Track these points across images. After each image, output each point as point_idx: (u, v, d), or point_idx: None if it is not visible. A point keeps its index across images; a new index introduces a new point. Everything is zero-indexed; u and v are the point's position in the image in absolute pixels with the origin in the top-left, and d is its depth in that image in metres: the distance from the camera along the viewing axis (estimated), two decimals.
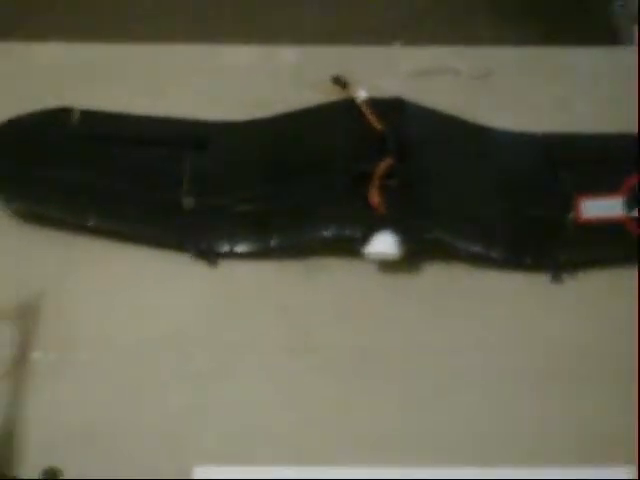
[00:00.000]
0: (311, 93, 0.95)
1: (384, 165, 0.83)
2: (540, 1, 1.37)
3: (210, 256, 0.83)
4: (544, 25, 1.32)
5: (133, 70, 0.99)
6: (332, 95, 0.94)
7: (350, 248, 0.82)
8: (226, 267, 0.84)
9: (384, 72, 0.99)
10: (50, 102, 0.91)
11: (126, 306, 0.81)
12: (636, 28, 1.46)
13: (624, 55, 1.06)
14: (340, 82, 0.94)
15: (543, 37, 1.13)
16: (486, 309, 0.82)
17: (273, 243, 0.83)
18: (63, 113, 0.90)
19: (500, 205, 0.85)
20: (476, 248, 0.82)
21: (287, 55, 1.02)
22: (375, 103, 0.90)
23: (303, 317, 0.81)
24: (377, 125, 0.87)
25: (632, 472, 0.71)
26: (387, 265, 0.83)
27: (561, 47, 1.05)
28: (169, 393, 0.77)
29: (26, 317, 0.79)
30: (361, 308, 0.82)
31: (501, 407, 0.77)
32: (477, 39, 1.09)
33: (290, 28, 1.11)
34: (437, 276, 0.84)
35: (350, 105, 0.90)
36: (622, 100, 0.97)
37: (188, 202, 0.85)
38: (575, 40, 1.07)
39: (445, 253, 0.83)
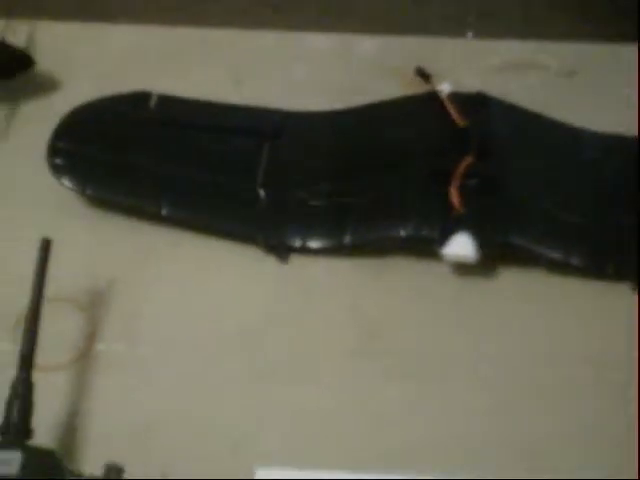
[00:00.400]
0: (389, 84, 0.93)
1: (465, 163, 0.81)
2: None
3: (281, 251, 0.81)
4: (627, 22, 1.27)
5: (212, 56, 0.98)
6: (413, 87, 0.92)
7: (426, 248, 0.80)
8: (298, 263, 0.82)
9: (465, 65, 0.97)
10: (128, 86, 0.90)
11: (194, 300, 0.80)
12: None
13: None
14: (424, 74, 0.92)
15: (626, 34, 1.09)
16: (563, 318, 0.79)
17: (347, 240, 0.81)
18: (141, 97, 0.89)
19: (583, 210, 0.82)
20: (555, 254, 0.79)
21: (367, 44, 1.01)
22: (458, 98, 0.87)
23: (374, 318, 0.79)
24: (460, 121, 0.85)
25: None
26: (463, 268, 0.80)
27: None
28: (234, 391, 0.75)
29: (94, 307, 0.78)
30: (434, 311, 0.80)
31: (575, 418, 0.74)
32: (556, 35, 1.05)
33: (367, 17, 1.09)
34: (514, 282, 0.81)
35: (433, 99, 0.88)
36: None
37: (262, 193, 0.83)
38: None
39: (523, 258, 0.80)
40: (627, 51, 1.00)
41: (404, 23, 1.04)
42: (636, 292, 0.80)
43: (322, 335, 0.79)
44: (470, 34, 1.02)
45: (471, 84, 0.91)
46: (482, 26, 1.07)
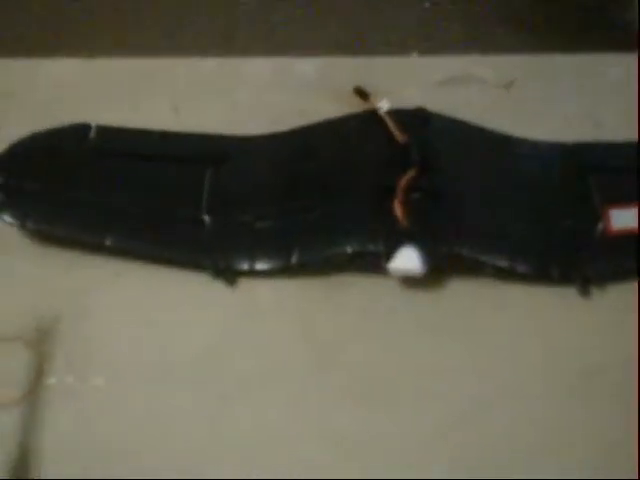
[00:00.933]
0: (330, 104, 0.93)
1: (407, 178, 0.81)
2: (559, 9, 1.34)
3: (228, 275, 0.81)
4: (563, 33, 1.29)
5: (152, 85, 0.97)
6: (353, 107, 0.92)
7: (373, 264, 0.80)
8: (246, 286, 0.82)
9: (405, 82, 0.97)
10: (68, 119, 0.89)
11: (142, 329, 0.80)
12: None
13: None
14: (362, 93, 0.92)
15: (563, 45, 1.10)
16: (512, 326, 0.80)
17: (294, 260, 0.81)
18: (80, 129, 0.89)
19: (526, 217, 0.83)
20: (502, 262, 0.80)
21: (306, 67, 1.01)
22: (398, 114, 0.88)
23: (324, 335, 0.80)
24: (400, 137, 0.85)
25: None
26: (410, 281, 0.81)
27: (587, 54, 1.03)
28: (186, 416, 0.75)
29: (41, 342, 0.78)
30: (383, 326, 0.80)
31: (529, 423, 0.75)
32: (496, 48, 1.06)
33: (307, 40, 1.09)
34: (462, 292, 0.82)
35: (372, 117, 0.88)
36: None
37: (208, 219, 0.83)
38: (596, 47, 1.05)
39: (470, 268, 0.81)
40: (562, 62, 1.02)
41: (347, 47, 1.05)
42: (582, 295, 0.81)
43: (273, 355, 0.79)
44: (415, 54, 1.03)
45: (413, 100, 0.91)
46: (423, 46, 1.08)
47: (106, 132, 0.89)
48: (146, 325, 0.80)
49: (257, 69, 1.00)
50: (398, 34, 1.20)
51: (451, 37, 1.21)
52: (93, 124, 0.89)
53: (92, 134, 0.89)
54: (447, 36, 1.21)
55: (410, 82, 0.97)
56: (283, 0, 1.21)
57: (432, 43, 1.17)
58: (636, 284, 0.81)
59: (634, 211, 0.82)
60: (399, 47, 1.07)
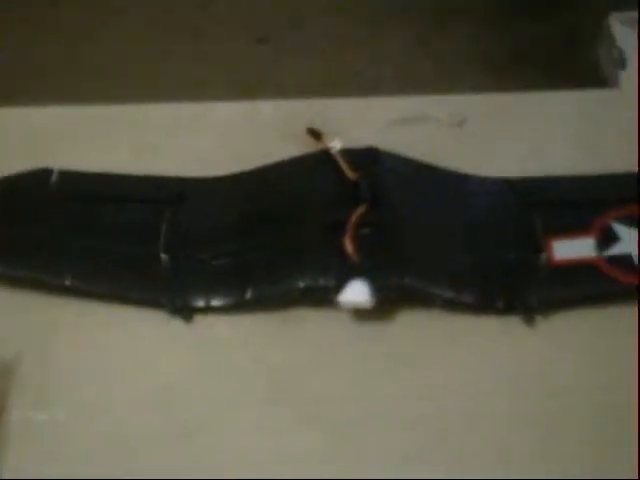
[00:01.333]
0: (290, 146, 0.96)
1: (357, 213, 0.84)
2: (526, 49, 1.39)
3: (184, 312, 0.84)
4: (530, 72, 1.33)
5: (113, 130, 1.00)
6: (311, 147, 0.95)
7: (325, 298, 0.83)
8: (203, 321, 0.85)
9: (361, 122, 1.00)
10: (29, 165, 0.92)
11: (104, 365, 0.82)
12: (621, 73, 1.47)
13: (599, 98, 1.07)
14: (314, 133, 0.95)
15: (529, 84, 1.14)
16: (461, 354, 0.83)
17: (249, 296, 0.84)
18: (42, 174, 0.91)
19: (471, 250, 0.86)
20: (448, 294, 0.82)
21: (266, 109, 1.04)
22: (350, 153, 0.91)
23: (279, 368, 0.82)
24: (350, 174, 0.88)
25: None
26: (362, 314, 0.83)
27: (538, 92, 1.06)
28: (149, 449, 0.78)
29: (2, 378, 0.79)
30: (338, 357, 0.83)
31: (482, 451, 0.78)
32: (462, 88, 1.10)
33: (269, 83, 1.13)
34: (412, 322, 0.84)
35: (325, 156, 0.92)
36: (598, 143, 0.99)
37: (165, 258, 0.86)
38: (560, 86, 1.08)
39: (418, 300, 0.84)
40: (516, 99, 1.05)
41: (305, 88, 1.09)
42: (527, 324, 0.83)
43: (231, 388, 0.81)
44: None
45: (365, 139, 0.94)
46: (393, 86, 1.12)
47: (67, 176, 0.92)
48: (107, 362, 0.82)
49: (218, 112, 1.04)
50: (366, 75, 1.24)
51: (418, 77, 1.25)
52: (55, 169, 0.92)
53: (54, 178, 0.91)
54: (413, 77, 1.25)
55: (365, 122, 1.01)
56: (259, 43, 1.25)
57: (400, 83, 1.21)
58: (580, 312, 0.84)
59: (575, 242, 0.85)
60: (368, 89, 1.11)
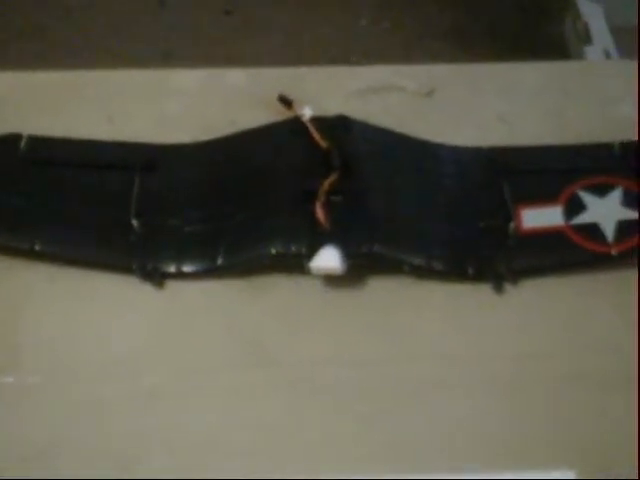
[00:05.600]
0: (260, 113, 0.96)
1: (328, 181, 0.84)
2: (495, 22, 1.40)
3: (155, 277, 0.84)
4: (499, 45, 1.35)
5: (82, 96, 1.00)
6: (281, 115, 0.95)
7: (296, 264, 0.83)
8: (174, 287, 0.85)
9: (331, 91, 1.01)
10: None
11: (76, 330, 0.82)
12: (587, 49, 1.49)
13: (567, 69, 1.08)
14: (285, 101, 0.95)
15: (497, 57, 1.15)
16: (431, 320, 0.84)
17: (220, 262, 0.84)
18: (11, 140, 0.91)
19: (441, 218, 0.87)
20: (418, 260, 0.83)
21: (235, 77, 1.04)
22: (320, 121, 0.91)
23: (252, 333, 0.82)
24: (321, 142, 0.88)
25: (571, 476, 0.73)
26: (333, 280, 0.84)
27: (506, 63, 1.07)
28: (121, 414, 0.78)
29: None
30: (309, 323, 0.83)
31: (448, 415, 0.79)
32: (425, 59, 1.11)
33: (239, 52, 1.13)
34: (382, 288, 0.85)
35: (296, 124, 0.92)
36: (566, 113, 0.99)
37: (136, 223, 0.86)
38: (521, 57, 1.09)
39: (389, 266, 0.84)
40: (484, 70, 1.06)
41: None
42: (496, 291, 0.84)
43: (203, 354, 0.81)
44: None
45: (335, 109, 0.94)
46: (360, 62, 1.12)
47: (36, 142, 0.91)
48: (79, 326, 0.82)
49: (187, 80, 1.03)
50: (335, 49, 1.25)
51: (386, 52, 1.25)
52: (24, 134, 0.91)
53: (23, 144, 0.91)
54: (383, 51, 1.25)
55: (335, 91, 1.01)
56: (226, 15, 1.24)
57: (368, 56, 1.21)
58: (549, 280, 0.85)
59: (543, 211, 0.87)
60: (336, 61, 1.11)
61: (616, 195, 0.88)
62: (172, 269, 0.84)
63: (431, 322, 0.84)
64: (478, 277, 0.84)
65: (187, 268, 0.84)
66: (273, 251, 0.83)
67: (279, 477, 0.74)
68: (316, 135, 0.89)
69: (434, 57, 1.17)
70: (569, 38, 1.55)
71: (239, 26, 1.28)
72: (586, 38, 1.50)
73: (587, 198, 0.87)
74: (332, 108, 0.95)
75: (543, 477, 0.74)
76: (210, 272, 0.84)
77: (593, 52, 1.49)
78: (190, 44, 1.22)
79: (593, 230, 0.86)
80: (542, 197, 0.87)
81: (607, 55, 1.47)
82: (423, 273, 0.84)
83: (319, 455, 0.76)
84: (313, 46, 1.25)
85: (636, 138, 0.93)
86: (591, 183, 0.89)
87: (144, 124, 0.97)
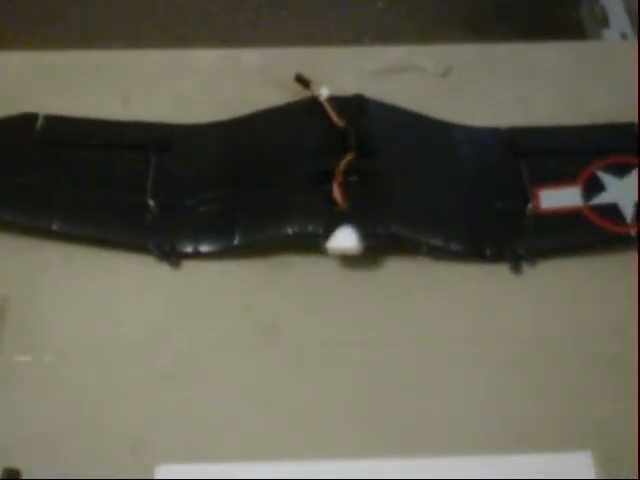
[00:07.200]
0: (276, 93, 0.95)
1: (345, 161, 0.84)
2: (511, 6, 1.39)
3: (172, 257, 0.84)
4: (515, 29, 1.34)
5: (100, 76, 0.99)
6: (296, 95, 0.95)
7: (313, 244, 0.83)
8: (191, 267, 0.85)
9: (348, 71, 1.00)
10: (16, 110, 0.92)
11: (92, 310, 0.82)
12: (604, 32, 1.48)
13: (585, 50, 1.07)
14: (302, 80, 0.94)
15: (513, 41, 1.14)
16: (448, 302, 0.83)
17: (237, 242, 0.84)
18: (28, 120, 0.91)
19: (459, 199, 0.86)
20: (435, 241, 0.83)
21: (252, 57, 1.03)
22: (337, 101, 0.90)
23: (268, 314, 0.82)
24: (338, 122, 0.88)
25: (587, 457, 0.73)
26: (349, 260, 0.84)
27: (523, 44, 1.06)
28: (135, 394, 0.78)
29: None
30: (325, 304, 0.83)
31: (464, 397, 0.79)
32: (440, 41, 1.10)
33: (254, 32, 1.13)
34: (399, 270, 0.85)
35: (312, 103, 0.91)
36: (583, 94, 0.99)
37: (152, 204, 0.85)
38: (537, 39, 1.08)
39: (406, 247, 0.84)
40: (500, 50, 1.05)
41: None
42: (514, 272, 0.84)
43: (219, 334, 0.81)
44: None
45: (351, 89, 0.94)
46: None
47: (53, 121, 0.91)
48: (95, 305, 0.82)
49: (204, 60, 1.03)
50: (351, 31, 1.24)
51: (402, 36, 1.25)
52: (41, 114, 0.91)
53: (39, 123, 0.90)
54: (399, 35, 1.24)
55: (351, 71, 1.00)
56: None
57: (383, 41, 1.20)
58: (566, 260, 0.85)
59: (562, 191, 0.86)
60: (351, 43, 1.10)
61: (635, 175, 0.87)
62: (189, 249, 0.84)
63: (448, 304, 0.83)
64: (496, 258, 0.84)
65: (204, 248, 0.84)
66: (290, 231, 0.83)
67: (293, 458, 0.74)
68: (333, 115, 0.89)
69: (449, 42, 1.15)
70: (586, 21, 1.54)
71: (254, 8, 1.27)
72: (603, 21, 1.49)
73: (606, 178, 0.87)
74: (348, 88, 0.94)
75: (560, 458, 0.73)
76: (226, 252, 0.84)
77: (610, 35, 1.48)
78: (205, 29, 1.22)
79: (612, 210, 0.85)
80: (560, 178, 0.87)
81: (624, 38, 1.46)
82: (440, 254, 0.84)
83: (336, 436, 0.76)
84: (328, 28, 1.24)
85: None
86: (610, 163, 0.88)
87: (160, 104, 0.97)
